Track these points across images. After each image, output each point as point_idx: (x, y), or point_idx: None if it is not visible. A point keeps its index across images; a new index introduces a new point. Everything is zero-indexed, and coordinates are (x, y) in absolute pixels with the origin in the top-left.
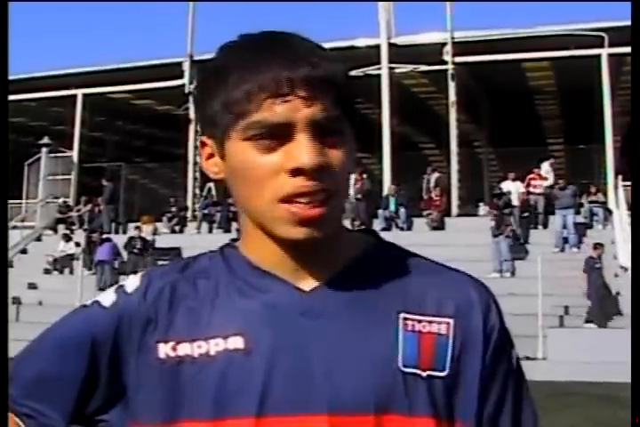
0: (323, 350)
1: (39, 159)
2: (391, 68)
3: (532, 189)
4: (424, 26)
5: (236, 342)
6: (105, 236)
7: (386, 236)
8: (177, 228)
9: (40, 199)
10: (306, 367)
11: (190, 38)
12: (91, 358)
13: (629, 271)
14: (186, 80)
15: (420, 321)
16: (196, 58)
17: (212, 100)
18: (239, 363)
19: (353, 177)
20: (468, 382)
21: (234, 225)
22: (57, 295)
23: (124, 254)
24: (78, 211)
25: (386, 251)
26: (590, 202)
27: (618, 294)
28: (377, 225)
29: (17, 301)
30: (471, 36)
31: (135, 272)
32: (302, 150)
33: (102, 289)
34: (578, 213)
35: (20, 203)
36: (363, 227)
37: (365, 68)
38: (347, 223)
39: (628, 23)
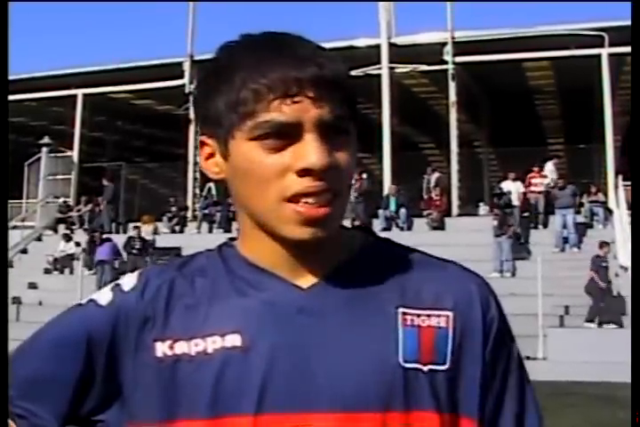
0: (322, 347)
1: (39, 159)
2: (391, 68)
3: (532, 188)
4: (424, 26)
5: (234, 340)
6: (105, 236)
7: (386, 236)
8: (177, 228)
9: (40, 199)
10: (305, 365)
11: (190, 38)
12: (86, 358)
13: (629, 271)
14: (186, 80)
15: (418, 315)
16: (197, 58)
17: (216, 100)
18: (237, 361)
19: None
20: (470, 374)
21: (234, 225)
22: (57, 295)
23: (124, 254)
24: (78, 211)
25: (382, 247)
26: (590, 202)
27: (618, 294)
28: (377, 225)
29: (17, 300)
30: (471, 36)
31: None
32: (311, 151)
33: None
34: (578, 212)
35: (21, 203)
36: (359, 224)
37: (365, 68)
38: (347, 223)
39: (628, 23)
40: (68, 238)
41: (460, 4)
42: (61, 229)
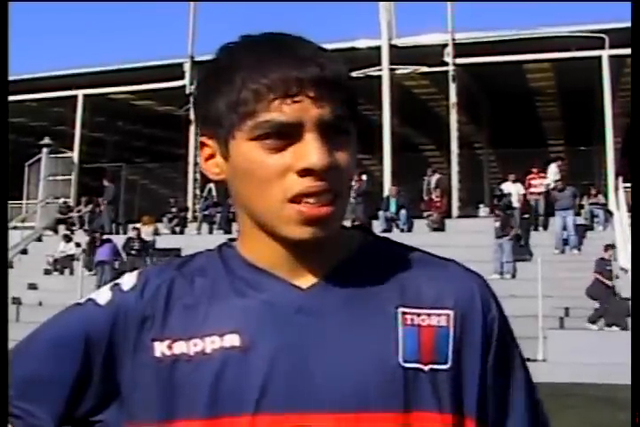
0: (321, 347)
1: (40, 160)
2: (392, 70)
3: (532, 190)
4: (425, 27)
5: (233, 340)
6: (105, 236)
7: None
8: (177, 228)
9: (40, 200)
10: (304, 365)
11: (191, 39)
12: (84, 358)
13: (629, 273)
14: (186, 81)
15: (418, 315)
16: (197, 59)
17: (216, 101)
18: (235, 361)
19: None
20: (472, 374)
21: (234, 226)
22: (57, 296)
23: (124, 255)
24: (79, 211)
25: (381, 246)
26: (591, 203)
27: (615, 295)
28: (377, 226)
29: (17, 301)
30: (472, 38)
31: None
32: (311, 150)
33: None
34: (578, 214)
35: (21, 203)
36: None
37: (366, 70)
38: (347, 224)
39: (629, 24)
40: (68, 239)
41: (460, 5)
42: (61, 229)
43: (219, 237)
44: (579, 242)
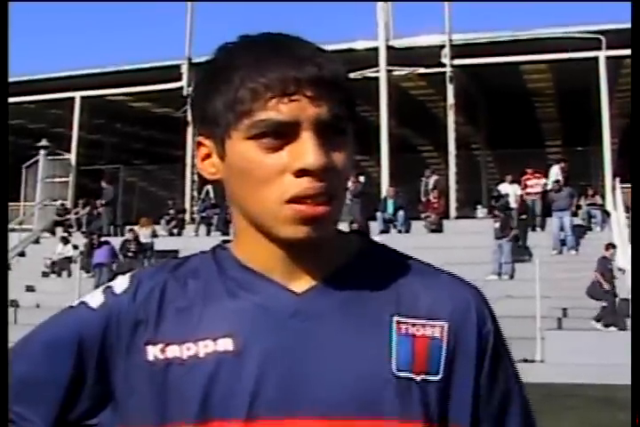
0: (314, 353)
1: (37, 162)
2: (389, 71)
3: (528, 190)
4: (422, 28)
5: (226, 344)
6: (103, 238)
7: (384, 238)
8: (175, 230)
9: (38, 202)
10: (296, 370)
11: (189, 41)
12: (77, 361)
13: (627, 273)
14: (184, 82)
15: (413, 324)
16: (195, 60)
17: (213, 100)
18: (229, 365)
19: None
20: (463, 386)
21: (232, 228)
22: (55, 298)
23: (121, 257)
24: (76, 213)
25: (378, 253)
26: (588, 204)
27: (615, 296)
28: (375, 227)
29: (15, 303)
30: (469, 39)
31: None
32: (308, 150)
33: None
34: (575, 214)
35: (18, 205)
36: (355, 229)
37: (364, 71)
38: (344, 226)
39: (626, 25)
40: (65, 241)
41: (457, 6)
42: (59, 231)
43: (216, 239)
44: (576, 243)
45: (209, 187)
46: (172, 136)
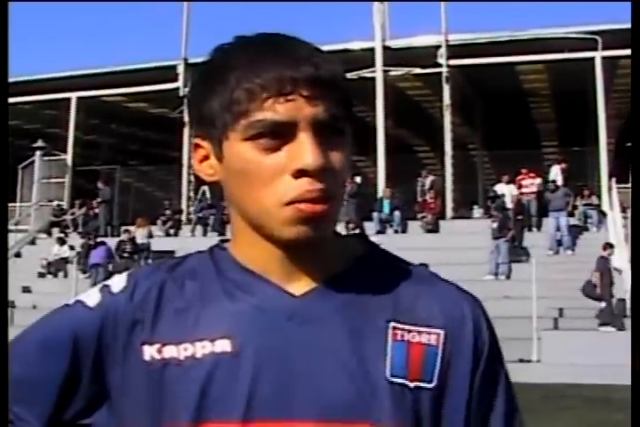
0: (310, 356)
1: (33, 162)
2: (386, 71)
3: (523, 190)
4: (418, 29)
5: (223, 345)
6: (99, 239)
7: (380, 239)
8: (171, 231)
9: (34, 202)
10: (292, 373)
11: (185, 41)
12: (73, 360)
13: (623, 273)
14: (180, 83)
15: (409, 331)
16: (191, 61)
17: (210, 101)
18: (226, 366)
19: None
20: (456, 395)
21: (228, 228)
22: (51, 299)
23: (117, 258)
24: (72, 214)
25: (378, 258)
26: (584, 204)
27: (612, 296)
28: (371, 228)
29: (11, 304)
30: (465, 39)
31: None
32: (306, 151)
33: None
34: (571, 215)
35: (14, 206)
36: (356, 231)
37: (360, 71)
38: (341, 226)
39: (621, 26)
40: (61, 242)
41: (453, 7)
42: (55, 232)
43: (213, 240)
44: (572, 243)
45: (205, 187)
46: (168, 137)
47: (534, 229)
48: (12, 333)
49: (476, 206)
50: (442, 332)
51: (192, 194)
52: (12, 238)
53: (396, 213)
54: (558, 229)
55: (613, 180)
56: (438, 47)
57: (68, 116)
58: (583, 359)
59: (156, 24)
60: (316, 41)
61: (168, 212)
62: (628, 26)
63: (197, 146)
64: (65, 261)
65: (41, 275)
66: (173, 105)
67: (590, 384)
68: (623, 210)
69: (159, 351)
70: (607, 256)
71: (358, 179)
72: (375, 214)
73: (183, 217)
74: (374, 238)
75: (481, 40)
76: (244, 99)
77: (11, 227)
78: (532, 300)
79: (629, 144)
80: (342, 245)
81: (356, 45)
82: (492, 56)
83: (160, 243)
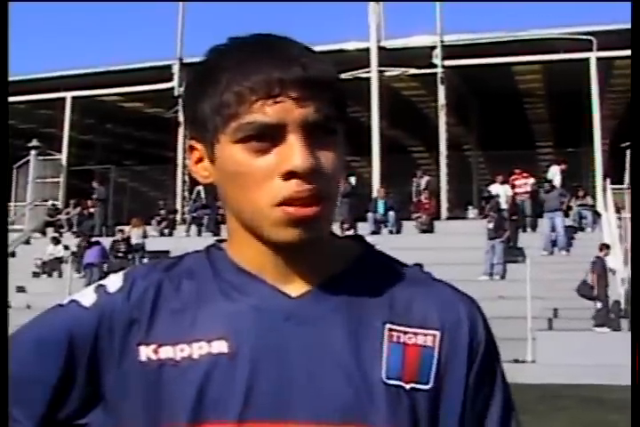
0: (306, 357)
1: (28, 162)
2: (381, 72)
3: (517, 190)
4: (414, 29)
5: (220, 346)
6: (94, 239)
7: (375, 239)
8: (166, 231)
9: (29, 202)
10: (288, 374)
11: (180, 41)
12: (68, 359)
13: (617, 274)
14: (175, 83)
15: (405, 332)
16: (186, 61)
17: (202, 103)
18: (222, 367)
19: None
20: (453, 397)
21: (223, 228)
22: (45, 299)
23: (111, 258)
24: (67, 214)
25: (375, 259)
26: (579, 205)
27: (607, 297)
28: (366, 228)
29: None
30: (461, 40)
31: None
32: (295, 152)
33: None
34: (566, 215)
35: (9, 206)
36: (350, 231)
37: (355, 72)
38: (335, 226)
39: (617, 27)
40: (56, 242)
41: (449, 7)
42: (50, 232)
43: (207, 240)
44: (567, 243)
45: (200, 187)
46: (163, 137)
47: (529, 229)
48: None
49: (470, 207)
50: (438, 333)
51: (187, 194)
52: (7, 238)
53: (391, 213)
54: (553, 229)
55: (608, 180)
56: (433, 48)
57: (63, 115)
58: (578, 360)
59: (152, 24)
60: (312, 41)
61: (163, 212)
62: (624, 26)
63: (192, 148)
64: (59, 260)
65: (35, 275)
66: (168, 105)
67: (585, 384)
68: (618, 210)
69: (155, 352)
70: (603, 257)
71: (353, 179)
72: (370, 215)
73: (178, 217)
74: (369, 239)
75: (476, 41)
76: (234, 102)
77: None
78: (526, 300)
79: (626, 144)
80: (339, 246)
81: (351, 46)
82: (487, 56)
83: (155, 243)
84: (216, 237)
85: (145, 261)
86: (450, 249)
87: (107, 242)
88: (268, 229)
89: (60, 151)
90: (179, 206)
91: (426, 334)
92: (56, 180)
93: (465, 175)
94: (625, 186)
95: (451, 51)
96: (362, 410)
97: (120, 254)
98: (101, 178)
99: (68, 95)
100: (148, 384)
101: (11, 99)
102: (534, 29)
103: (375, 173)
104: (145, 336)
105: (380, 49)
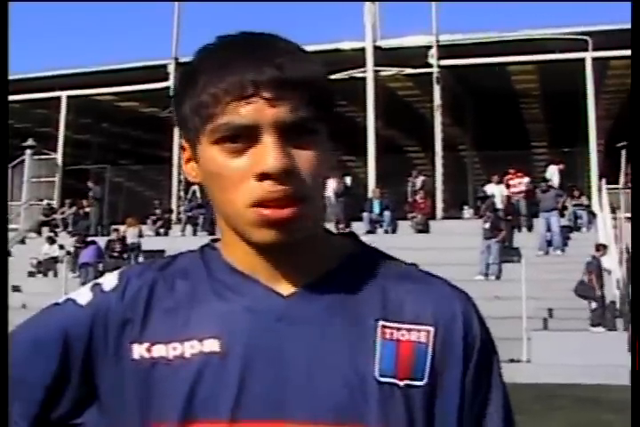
0: (298, 356)
1: (23, 161)
2: (376, 71)
3: (512, 190)
4: (409, 29)
5: (212, 345)
6: (90, 238)
7: (370, 238)
8: (162, 230)
9: (24, 202)
10: (281, 373)
11: (175, 40)
12: (63, 359)
13: (612, 274)
14: (171, 82)
15: (398, 329)
16: (181, 60)
17: (184, 104)
18: (214, 366)
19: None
20: (449, 392)
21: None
22: (41, 298)
23: (106, 257)
24: (62, 213)
25: (367, 256)
26: (574, 205)
27: (603, 297)
28: (361, 228)
29: None
30: (456, 40)
31: None
32: (268, 154)
33: None
34: (562, 215)
35: (8, 206)
36: (345, 230)
37: (351, 71)
38: (330, 226)
39: (612, 27)
40: (51, 241)
41: (444, 7)
42: (45, 231)
43: (202, 239)
44: (563, 243)
45: (196, 187)
46: (158, 136)
47: (524, 229)
48: None
49: (466, 207)
50: (432, 329)
51: (182, 193)
52: None
53: (387, 213)
54: (549, 229)
55: (603, 180)
56: (429, 47)
57: (59, 115)
58: (573, 359)
59: (147, 23)
60: (307, 41)
61: (158, 211)
62: (619, 26)
63: (183, 148)
64: (55, 260)
65: (31, 274)
66: (164, 104)
67: (580, 384)
68: (613, 211)
69: (148, 350)
70: (599, 257)
71: (348, 179)
72: (365, 214)
73: (173, 216)
74: (364, 238)
75: (472, 40)
76: (210, 103)
77: None
78: (521, 300)
79: (621, 144)
80: (332, 243)
81: (346, 45)
82: (482, 56)
83: (150, 242)
84: (211, 237)
85: (140, 260)
86: (445, 249)
87: (102, 241)
88: (246, 229)
89: (55, 151)
90: (174, 206)
91: (419, 330)
92: (51, 179)
93: (460, 175)
94: (620, 186)
95: (446, 51)
96: (356, 410)
97: (115, 254)
98: (97, 177)
99: (64, 94)
100: (141, 383)
101: None
102: (530, 29)
103: (371, 173)
104: (138, 335)
105: (376, 49)
